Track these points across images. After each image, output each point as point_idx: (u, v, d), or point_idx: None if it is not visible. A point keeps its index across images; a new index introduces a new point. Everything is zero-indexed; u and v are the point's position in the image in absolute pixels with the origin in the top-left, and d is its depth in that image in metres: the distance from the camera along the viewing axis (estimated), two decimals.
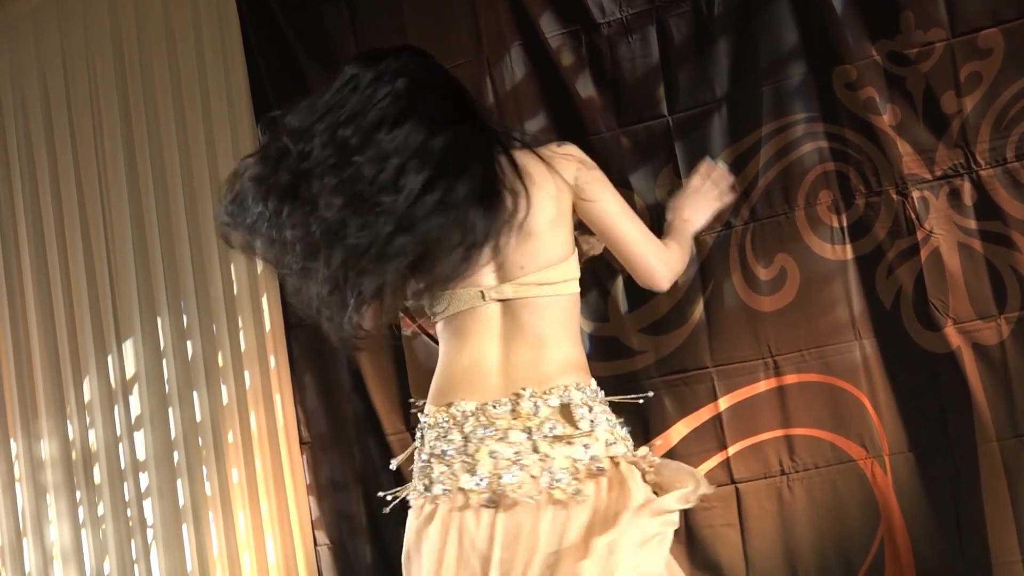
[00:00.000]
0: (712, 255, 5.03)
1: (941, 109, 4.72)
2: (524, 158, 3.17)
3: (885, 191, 4.80)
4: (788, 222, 4.94)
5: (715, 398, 5.03)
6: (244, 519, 5.82)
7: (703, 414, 5.05)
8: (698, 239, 5.00)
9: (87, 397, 6.12)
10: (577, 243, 3.40)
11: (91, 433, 6.11)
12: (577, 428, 3.15)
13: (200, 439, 5.89)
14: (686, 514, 4.97)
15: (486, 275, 3.20)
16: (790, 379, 4.94)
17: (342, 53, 5.53)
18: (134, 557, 6.01)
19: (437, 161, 2.98)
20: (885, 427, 4.80)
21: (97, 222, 6.11)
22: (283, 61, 5.70)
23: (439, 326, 3.27)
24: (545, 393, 3.15)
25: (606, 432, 3.21)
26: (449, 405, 3.16)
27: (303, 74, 5.61)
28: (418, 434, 3.25)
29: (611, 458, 3.16)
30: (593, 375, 5.20)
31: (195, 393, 5.90)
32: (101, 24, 6.12)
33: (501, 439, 3.10)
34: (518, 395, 3.13)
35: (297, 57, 5.66)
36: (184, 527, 5.92)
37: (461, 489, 3.10)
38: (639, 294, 5.12)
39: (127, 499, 6.03)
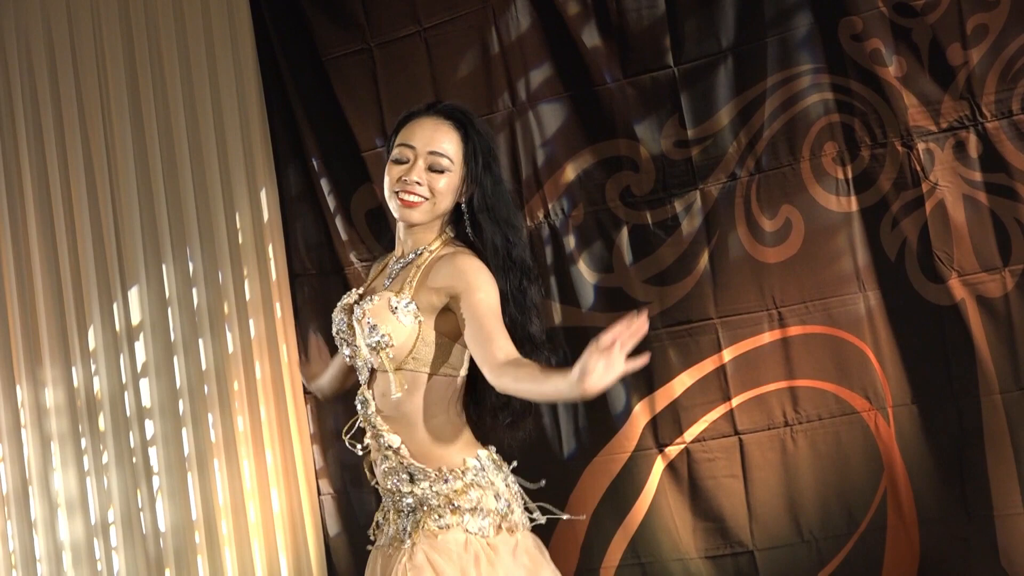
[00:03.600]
0: (717, 206, 5.10)
1: (947, 61, 4.73)
2: None
3: (890, 143, 4.83)
4: (793, 173, 4.98)
5: (719, 349, 5.08)
6: (249, 467, 5.83)
7: (707, 365, 5.10)
8: (703, 191, 5.09)
9: (92, 345, 6.08)
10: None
11: (96, 381, 6.08)
12: None
13: (205, 387, 5.90)
14: (689, 465, 5.13)
15: None
16: (794, 331, 4.99)
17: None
18: (139, 505, 5.98)
19: None
20: (888, 379, 4.84)
21: (102, 169, 6.07)
22: (286, 3, 5.75)
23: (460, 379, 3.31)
24: None
25: None
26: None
27: (307, 20, 5.65)
28: (481, 476, 3.26)
29: None
30: (597, 326, 5.27)
31: (200, 341, 5.90)
32: None
33: None
34: None
35: (300, 2, 5.73)
36: (189, 475, 5.91)
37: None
38: (644, 245, 5.22)
39: (132, 447, 6.00)
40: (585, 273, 5.32)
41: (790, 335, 4.99)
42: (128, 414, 6.01)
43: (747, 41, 5.04)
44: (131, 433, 6.01)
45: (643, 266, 5.19)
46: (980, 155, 4.71)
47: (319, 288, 5.64)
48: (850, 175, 4.89)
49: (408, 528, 3.21)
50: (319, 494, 5.67)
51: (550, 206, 5.38)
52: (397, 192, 3.18)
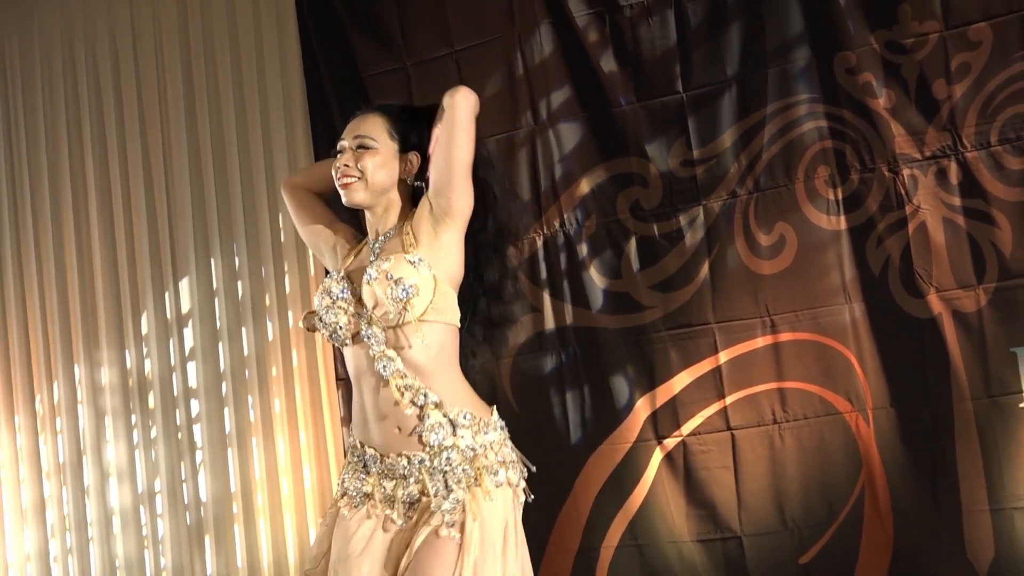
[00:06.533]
0: (718, 221, 5.07)
1: (932, 95, 4.74)
2: None
3: (878, 168, 4.83)
4: (788, 193, 4.97)
5: (716, 351, 5.06)
6: (284, 446, 5.86)
7: (704, 365, 5.08)
8: (706, 207, 5.08)
9: (145, 330, 6.16)
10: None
11: (147, 363, 6.15)
12: None
13: (247, 371, 5.93)
14: (685, 456, 5.10)
15: None
16: (785, 337, 4.97)
17: (383, 19, 5.57)
18: (183, 477, 6.05)
19: None
20: (870, 383, 4.83)
21: (159, 171, 6.13)
22: (331, 23, 5.73)
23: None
24: None
25: None
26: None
27: (349, 40, 5.64)
28: (503, 429, 3.27)
29: None
30: (606, 328, 5.25)
31: (243, 329, 5.94)
32: None
33: None
34: None
35: (343, 20, 5.66)
36: (229, 451, 5.96)
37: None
38: (650, 254, 5.20)
39: (178, 424, 6.07)
40: (596, 278, 5.27)
41: (781, 340, 4.97)
42: (175, 394, 6.08)
43: (750, 71, 5.02)
44: (177, 411, 6.08)
45: (649, 273, 5.17)
46: (960, 182, 4.71)
47: None
48: (840, 196, 4.88)
49: (448, 483, 3.13)
50: None
51: (565, 216, 5.32)
52: (338, 180, 3.26)
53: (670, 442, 5.12)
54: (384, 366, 3.14)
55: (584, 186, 5.31)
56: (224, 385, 6.00)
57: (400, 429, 3.17)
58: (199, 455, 6.06)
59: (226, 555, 5.95)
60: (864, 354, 4.85)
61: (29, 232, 6.40)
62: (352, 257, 3.34)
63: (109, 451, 6.22)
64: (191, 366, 6.08)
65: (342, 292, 3.21)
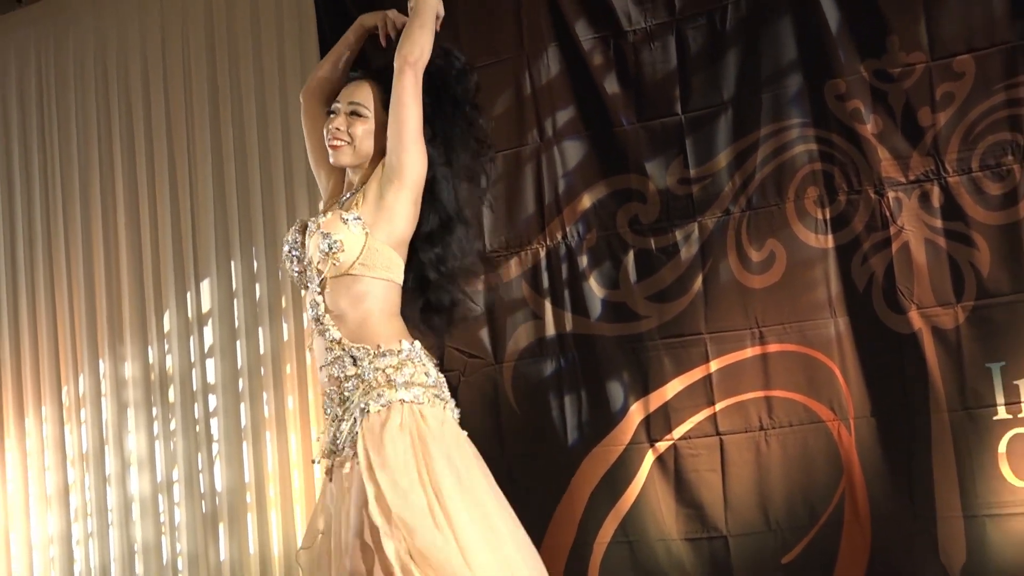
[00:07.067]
0: (712, 237, 5.09)
1: (917, 122, 4.78)
2: None
3: (864, 190, 4.85)
4: (779, 212, 4.99)
5: (707, 360, 5.08)
6: (296, 441, 5.92)
7: (696, 373, 5.10)
8: (701, 223, 5.07)
9: (167, 327, 6.24)
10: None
11: (168, 358, 6.24)
12: None
13: (262, 369, 6.02)
14: (675, 459, 5.10)
15: None
16: (773, 348, 4.99)
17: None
18: (199, 467, 6.13)
19: None
20: (852, 394, 4.85)
21: (183, 176, 6.22)
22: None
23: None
24: None
25: None
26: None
27: (368, 57, 5.41)
28: (415, 355, 3.29)
29: None
30: (603, 336, 5.23)
31: (260, 329, 6.04)
32: (196, 7, 6.20)
33: None
34: None
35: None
36: (244, 444, 6.04)
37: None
38: (647, 267, 5.21)
39: (196, 417, 6.15)
40: (595, 288, 5.29)
41: (769, 351, 4.98)
42: (194, 388, 6.20)
43: (745, 95, 5.04)
44: (196, 405, 6.18)
45: (645, 285, 5.19)
46: (942, 205, 4.72)
47: None
48: (828, 216, 4.90)
49: (357, 424, 3.19)
50: None
51: (567, 229, 5.33)
52: (328, 141, 3.38)
53: (662, 445, 5.14)
54: (314, 311, 3.29)
55: (586, 201, 5.33)
56: (241, 381, 6.08)
57: (322, 368, 3.31)
58: (215, 447, 6.15)
59: (239, 542, 6.03)
60: (847, 366, 4.86)
61: (60, 233, 6.50)
62: (328, 208, 3.48)
63: (130, 441, 6.33)
64: (210, 363, 6.17)
65: (294, 241, 3.38)
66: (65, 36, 6.57)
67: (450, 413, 3.30)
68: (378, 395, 3.19)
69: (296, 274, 3.39)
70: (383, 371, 3.21)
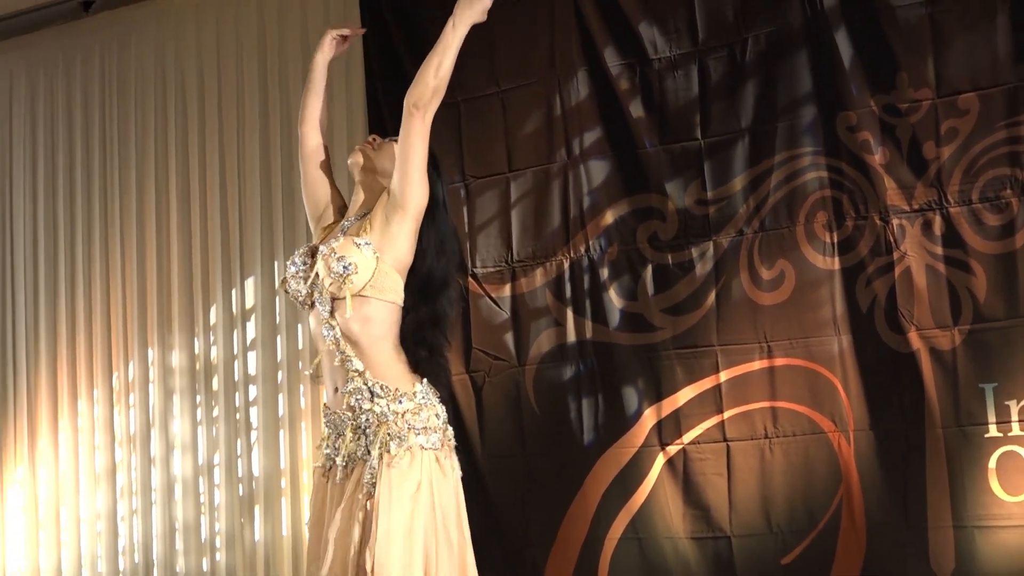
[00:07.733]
0: (726, 255, 5.15)
1: (923, 155, 4.84)
2: None
3: (871, 217, 4.91)
4: (790, 234, 5.05)
5: (717, 371, 5.14)
6: None
7: (706, 383, 5.16)
8: (716, 242, 5.12)
9: (212, 320, 6.31)
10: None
11: (213, 350, 6.31)
12: None
13: (300, 363, 6.06)
14: (684, 462, 5.16)
15: None
16: (779, 361, 5.04)
17: None
18: (239, 453, 6.20)
19: None
20: (852, 407, 4.90)
21: (232, 180, 6.27)
22: (392, 64, 5.81)
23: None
24: None
25: None
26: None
27: (405, 70, 5.52)
28: (427, 399, 3.37)
29: None
30: (620, 345, 5.27)
31: (299, 325, 6.07)
32: (249, 18, 6.24)
33: None
34: None
35: (403, 62, 5.69)
36: (281, 432, 6.11)
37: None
38: (664, 281, 5.26)
39: (237, 405, 6.21)
40: (614, 299, 5.34)
41: (776, 364, 5.03)
42: (236, 379, 6.26)
43: (761, 124, 5.10)
44: (237, 394, 6.24)
45: (662, 298, 5.24)
46: (943, 233, 4.77)
47: None
48: (836, 240, 4.94)
49: (368, 446, 3.26)
50: None
51: (590, 243, 5.37)
52: (359, 145, 3.52)
53: (672, 449, 5.18)
54: (327, 332, 3.33)
55: (608, 217, 5.37)
56: (280, 374, 6.14)
57: (337, 389, 3.37)
58: (254, 434, 6.21)
59: (273, 524, 6.10)
60: (849, 381, 4.91)
61: (116, 231, 6.55)
62: (327, 234, 3.51)
63: (175, 426, 6.41)
64: (251, 355, 6.22)
65: (303, 263, 3.41)
66: (127, 44, 6.66)
67: (455, 458, 3.40)
68: (400, 440, 3.26)
69: (301, 296, 3.41)
70: (402, 416, 3.28)
